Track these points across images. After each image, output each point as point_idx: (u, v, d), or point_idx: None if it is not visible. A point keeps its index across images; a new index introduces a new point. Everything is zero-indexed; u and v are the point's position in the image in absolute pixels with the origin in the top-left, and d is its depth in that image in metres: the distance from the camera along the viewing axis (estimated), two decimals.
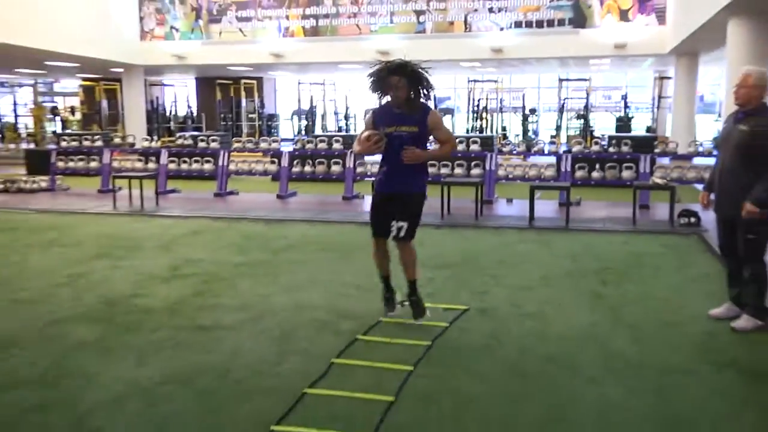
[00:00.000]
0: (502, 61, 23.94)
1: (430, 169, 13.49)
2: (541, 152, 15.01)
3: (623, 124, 25.52)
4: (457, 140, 13.95)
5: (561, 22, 21.37)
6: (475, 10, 21.93)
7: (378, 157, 5.86)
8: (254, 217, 11.73)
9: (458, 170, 13.58)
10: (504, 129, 27.44)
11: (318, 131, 27.48)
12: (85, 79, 31.79)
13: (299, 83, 30.92)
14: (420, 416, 4.21)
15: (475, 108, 27.76)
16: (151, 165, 15.70)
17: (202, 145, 15.87)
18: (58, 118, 31.43)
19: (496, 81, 28.60)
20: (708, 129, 23.55)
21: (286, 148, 15.63)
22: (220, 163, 15.13)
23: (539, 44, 22.08)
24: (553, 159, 14.38)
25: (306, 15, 23.41)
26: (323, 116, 30.27)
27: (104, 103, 30.61)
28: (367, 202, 12.42)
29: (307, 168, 14.51)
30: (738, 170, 5.71)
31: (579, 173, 12.97)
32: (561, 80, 26.96)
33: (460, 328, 5.86)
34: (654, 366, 5.02)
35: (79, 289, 7.22)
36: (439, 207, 11.99)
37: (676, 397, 4.52)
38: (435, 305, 6.44)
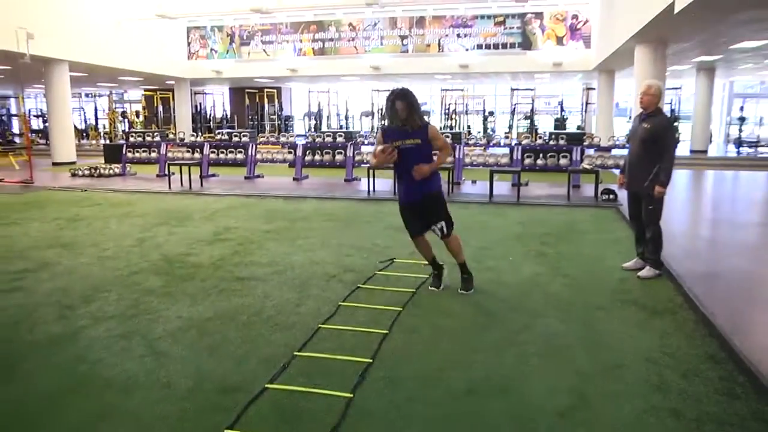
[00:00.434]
0: (468, 74, 23.83)
1: None
2: (497, 145, 15.04)
3: (560, 123, 25.48)
4: None
5: (512, 45, 21.28)
6: (447, 35, 21.81)
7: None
8: (276, 195, 11.72)
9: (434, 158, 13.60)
10: (469, 127, 27.34)
11: (324, 129, 27.34)
12: (146, 90, 31.51)
13: (309, 91, 30.67)
14: (407, 343, 4.28)
15: (446, 111, 27.66)
16: (197, 155, 15.62)
17: (235, 139, 15.78)
18: (126, 120, 31.19)
19: (462, 90, 28.48)
20: (622, 128, 23.64)
21: (300, 141, 15.56)
22: (249, 153, 15.09)
23: (496, 62, 22.02)
24: (507, 150, 14.39)
25: (315, 39, 23.27)
26: (328, 117, 30.11)
27: (160, 108, 30.40)
28: (363, 184, 12.44)
29: (317, 157, 14.48)
30: (642, 157, 5.81)
31: (527, 161, 12.98)
32: (512, 90, 26.86)
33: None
34: (582, 304, 5.11)
35: (146, 248, 7.24)
36: None
37: (597, 325, 4.63)
38: (417, 261, 6.49)
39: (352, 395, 3.48)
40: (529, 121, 25.56)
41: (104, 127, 31.10)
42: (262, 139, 16.84)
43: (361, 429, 3.14)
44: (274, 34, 23.78)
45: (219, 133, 16.91)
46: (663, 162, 5.64)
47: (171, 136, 17.78)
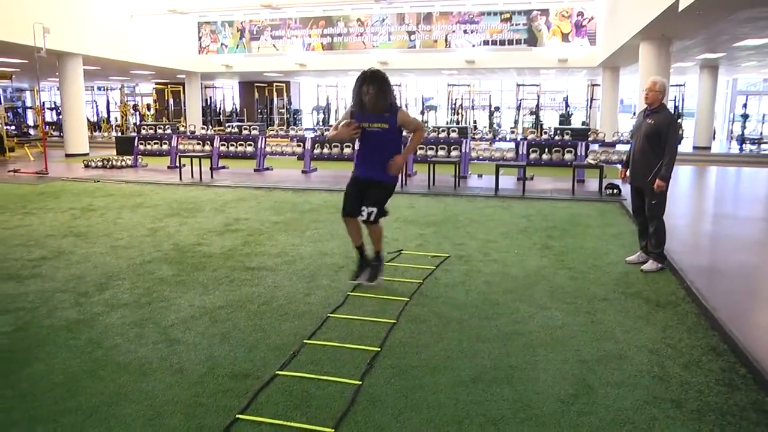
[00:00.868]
0: (474, 70, 23.81)
1: (420, 152, 13.62)
2: (503, 139, 15.01)
3: (565, 119, 25.39)
4: (440, 130, 14.00)
5: (518, 42, 21.19)
6: (454, 32, 21.73)
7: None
8: (285, 187, 11.74)
9: (441, 152, 13.60)
10: (475, 122, 27.30)
11: (332, 122, 27.35)
12: (157, 83, 31.58)
13: (318, 86, 30.72)
14: (415, 332, 4.30)
15: (453, 105, 27.63)
16: (207, 147, 15.66)
17: (245, 132, 15.81)
18: (137, 113, 31.27)
19: (469, 85, 28.43)
20: (626, 124, 23.62)
21: (309, 135, 15.58)
22: (259, 146, 15.11)
23: (502, 58, 21.97)
24: (512, 145, 14.37)
25: (324, 34, 23.21)
26: (336, 111, 30.11)
27: (171, 101, 30.46)
28: None
29: (325, 150, 14.50)
30: (646, 152, 5.82)
31: (532, 155, 12.97)
32: (518, 85, 26.81)
33: (444, 270, 5.93)
34: (586, 296, 5.12)
35: (158, 238, 7.28)
36: (426, 180, 12.04)
37: (600, 316, 4.64)
38: (425, 253, 6.54)
39: (360, 382, 3.50)
40: (534, 116, 25.52)
41: (116, 120, 31.21)
42: (271, 132, 16.84)
43: (370, 415, 3.16)
44: (284, 29, 23.74)
45: (229, 126, 16.92)
46: (665, 157, 5.65)
47: (182, 128, 17.82)
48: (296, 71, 25.25)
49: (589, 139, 13.12)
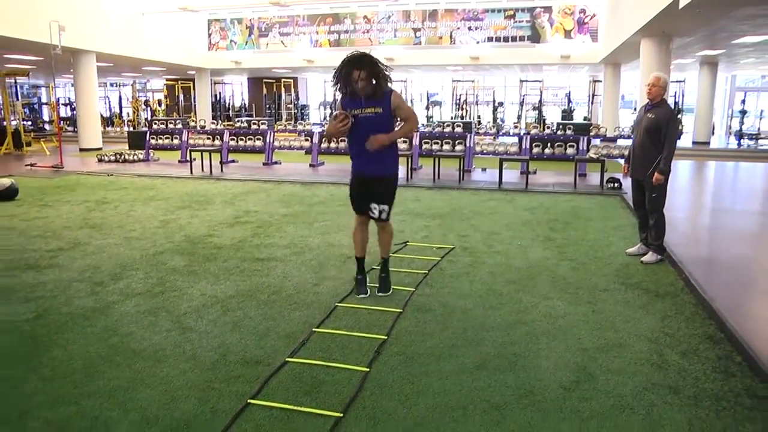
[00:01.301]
0: (478, 66, 23.74)
1: (425, 146, 13.62)
2: (507, 134, 15.00)
3: (567, 114, 25.33)
4: (445, 125, 13.99)
5: (521, 38, 21.15)
6: (458, 28, 21.71)
7: None
8: (293, 180, 11.76)
9: (446, 146, 13.60)
10: (479, 117, 27.26)
11: None
12: (168, 79, 31.57)
13: (325, 81, 30.60)
14: (421, 321, 4.33)
15: (458, 101, 27.58)
16: (217, 142, 15.69)
17: (253, 127, 15.84)
18: (149, 108, 31.34)
19: (473, 81, 28.36)
20: (627, 119, 23.61)
21: (316, 129, 15.60)
22: (267, 140, 15.15)
23: (505, 54, 21.90)
24: (516, 139, 14.38)
25: (331, 31, 23.23)
26: None
27: (182, 97, 30.51)
28: None
29: (332, 144, 14.53)
30: (646, 146, 5.82)
31: (535, 150, 12.98)
32: (521, 81, 26.73)
33: (449, 261, 5.96)
34: (587, 286, 5.14)
35: (170, 230, 7.33)
36: (431, 173, 12.06)
37: (600, 306, 4.66)
38: (430, 245, 6.56)
39: (368, 369, 3.54)
40: (537, 111, 25.46)
41: (128, 115, 31.28)
42: (279, 127, 16.87)
43: (378, 401, 3.20)
44: (292, 26, 23.76)
45: (238, 121, 16.99)
46: (664, 151, 5.66)
47: (192, 123, 17.83)
48: (304, 67, 25.24)
49: (591, 134, 13.12)
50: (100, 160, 15.40)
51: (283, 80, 29.86)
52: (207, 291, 4.99)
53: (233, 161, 15.28)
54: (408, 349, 3.83)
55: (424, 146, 13.82)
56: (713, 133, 23.93)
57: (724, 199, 10.91)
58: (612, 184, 10.62)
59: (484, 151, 13.75)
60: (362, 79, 4.41)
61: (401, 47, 22.49)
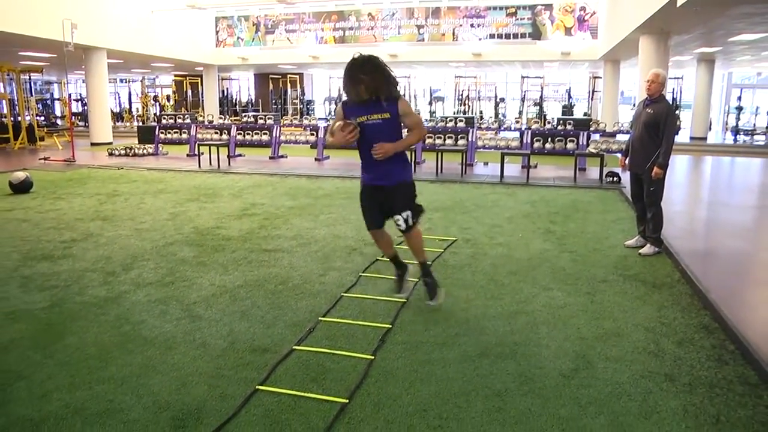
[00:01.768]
0: (480, 62, 23.69)
1: (428, 141, 13.62)
2: (508, 129, 14.99)
3: (567, 110, 25.32)
4: (448, 120, 13.98)
5: (523, 35, 21.10)
6: (461, 25, 21.67)
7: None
8: (299, 174, 11.77)
9: (449, 141, 13.59)
10: (481, 112, 27.25)
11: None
12: (176, 75, 31.58)
13: (330, 77, 30.68)
14: (424, 311, 4.36)
15: (460, 96, 27.60)
16: (224, 136, 15.70)
17: (260, 122, 15.86)
18: (157, 104, 31.38)
19: (475, 77, 28.37)
20: (626, 115, 23.55)
21: (321, 124, 15.60)
22: (274, 134, 15.16)
23: (507, 51, 21.86)
24: (517, 134, 14.36)
25: (336, 28, 23.20)
26: None
27: (190, 93, 30.52)
28: None
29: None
30: (645, 140, 5.82)
31: (536, 144, 12.95)
32: (523, 77, 26.72)
33: (451, 252, 5.98)
34: (586, 278, 5.16)
35: (179, 222, 7.36)
36: (434, 167, 12.07)
37: (599, 297, 4.68)
38: (433, 237, 6.58)
39: (373, 357, 3.56)
40: (538, 107, 25.44)
41: (137, 110, 31.31)
42: (285, 122, 16.86)
43: (382, 387, 3.22)
44: (297, 23, 23.73)
45: (245, 116, 16.97)
46: (663, 146, 5.67)
47: (200, 118, 17.86)
48: (309, 63, 25.23)
49: (591, 129, 13.09)
50: (110, 154, 15.45)
51: (289, 76, 29.82)
52: (216, 281, 5.01)
53: (240, 155, 15.30)
54: (412, 338, 3.86)
55: (428, 141, 13.82)
56: (710, 129, 23.89)
57: (720, 193, 10.90)
58: (611, 178, 10.62)
59: (486, 146, 13.72)
60: (367, 83, 4.01)
61: (405, 44, 22.46)
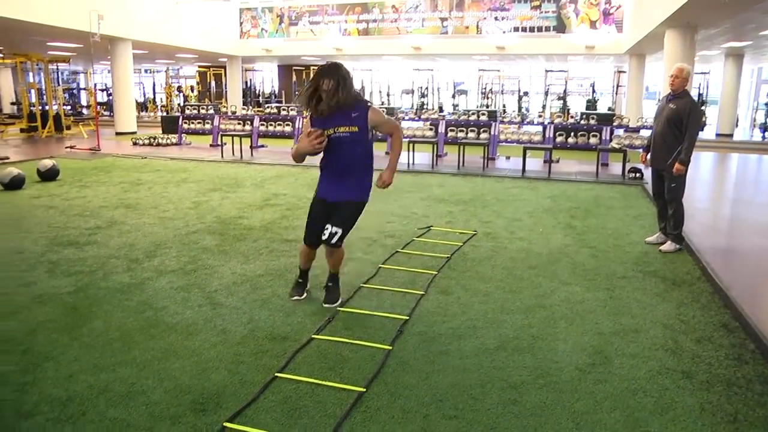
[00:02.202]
0: (504, 56, 23.53)
1: (450, 134, 13.60)
2: (531, 123, 14.93)
3: (591, 104, 25.10)
4: (470, 114, 13.94)
5: (547, 29, 20.95)
6: (485, 18, 21.56)
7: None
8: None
9: (471, 134, 13.59)
10: (504, 106, 27.10)
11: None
12: (200, 66, 31.80)
13: (353, 69, 30.57)
14: (442, 303, 4.38)
15: (483, 90, 27.47)
16: (247, 127, 15.83)
17: (283, 113, 15.95)
18: (181, 94, 31.65)
19: (498, 71, 28.21)
20: (651, 110, 23.28)
21: None
22: (296, 125, 15.24)
23: (531, 44, 21.70)
24: (539, 128, 14.32)
25: (359, 20, 23.20)
26: (370, 94, 30.08)
27: (213, 84, 30.74)
28: (404, 157, 12.45)
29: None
30: (667, 136, 5.78)
31: (559, 139, 12.91)
32: (546, 71, 26.54)
33: (471, 246, 5.99)
34: (606, 273, 5.14)
35: (201, 211, 7.45)
36: (456, 160, 12.06)
37: (618, 293, 4.67)
38: (453, 230, 6.60)
39: (391, 347, 3.60)
40: (561, 101, 25.25)
41: (161, 101, 31.59)
42: (308, 114, 16.93)
43: (399, 377, 3.26)
44: (321, 15, 23.77)
45: (269, 107, 17.07)
46: (685, 142, 5.62)
47: (223, 109, 18.00)
48: (333, 55, 25.21)
49: (614, 124, 12.99)
50: (134, 144, 15.64)
51: (312, 68, 29.87)
52: (237, 269, 5.08)
53: (263, 146, 15.41)
54: (430, 329, 3.89)
55: (450, 134, 13.81)
56: (737, 126, 23.52)
57: (745, 190, 10.76)
58: (634, 174, 10.53)
59: (508, 140, 13.70)
60: (330, 87, 3.82)
61: (428, 36, 22.39)
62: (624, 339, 3.79)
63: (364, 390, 3.10)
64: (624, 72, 24.29)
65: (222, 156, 13.24)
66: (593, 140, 12.59)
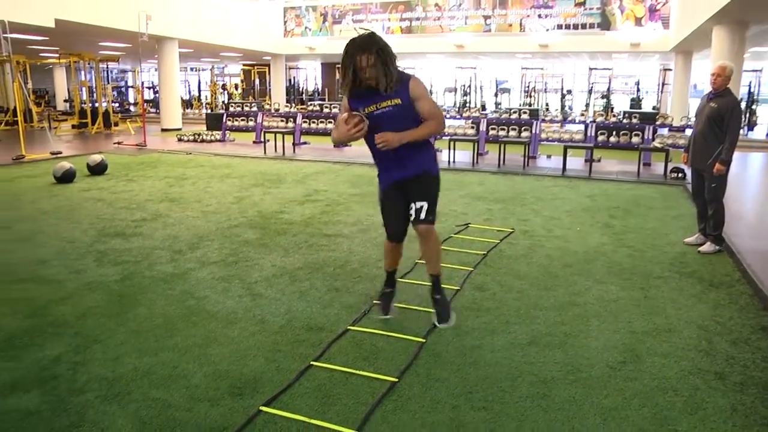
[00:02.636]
0: (547, 54, 23.31)
1: (491, 132, 13.57)
2: (573, 122, 14.80)
3: (636, 103, 24.68)
4: (512, 112, 13.88)
5: (591, 26, 20.69)
6: (528, 16, 21.40)
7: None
8: (362, 162, 11.84)
9: (512, 133, 13.55)
10: (547, 104, 26.86)
11: None
12: (244, 65, 32.28)
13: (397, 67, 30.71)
14: (477, 299, 4.44)
15: (526, 88, 27.25)
16: (290, 124, 16.04)
17: (326, 110, 16.11)
18: (225, 92, 32.20)
19: (542, 69, 27.96)
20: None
21: None
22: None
23: (575, 42, 21.46)
24: (581, 127, 14.18)
25: (403, 18, 23.26)
26: None
27: (257, 81, 31.17)
28: (444, 155, 12.48)
29: None
30: (708, 135, 5.69)
31: (600, 138, 12.77)
32: (590, 69, 26.16)
33: (508, 243, 6.00)
34: (642, 273, 5.11)
35: (243, 206, 7.62)
36: (497, 159, 12.04)
37: (653, 292, 4.64)
38: (491, 227, 6.62)
39: (424, 340, 3.67)
40: (605, 100, 24.90)
41: (206, 98, 32.19)
42: None
43: (432, 369, 3.33)
44: (365, 13, 23.90)
45: (311, 105, 17.28)
46: (726, 141, 5.54)
47: (267, 106, 18.25)
48: None
49: (657, 123, 12.79)
50: (179, 140, 16.00)
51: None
52: (277, 262, 5.21)
53: (305, 143, 15.59)
54: (463, 324, 3.94)
55: (491, 132, 13.78)
56: None
57: None
58: (676, 174, 10.37)
59: (550, 138, 13.60)
60: (370, 65, 3.43)
61: (471, 34, 22.33)
62: (657, 338, 3.78)
63: (397, 380, 3.17)
64: (670, 70, 23.81)
65: (265, 152, 13.46)
66: (635, 139, 12.42)
